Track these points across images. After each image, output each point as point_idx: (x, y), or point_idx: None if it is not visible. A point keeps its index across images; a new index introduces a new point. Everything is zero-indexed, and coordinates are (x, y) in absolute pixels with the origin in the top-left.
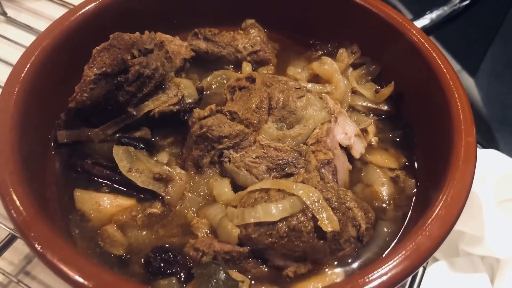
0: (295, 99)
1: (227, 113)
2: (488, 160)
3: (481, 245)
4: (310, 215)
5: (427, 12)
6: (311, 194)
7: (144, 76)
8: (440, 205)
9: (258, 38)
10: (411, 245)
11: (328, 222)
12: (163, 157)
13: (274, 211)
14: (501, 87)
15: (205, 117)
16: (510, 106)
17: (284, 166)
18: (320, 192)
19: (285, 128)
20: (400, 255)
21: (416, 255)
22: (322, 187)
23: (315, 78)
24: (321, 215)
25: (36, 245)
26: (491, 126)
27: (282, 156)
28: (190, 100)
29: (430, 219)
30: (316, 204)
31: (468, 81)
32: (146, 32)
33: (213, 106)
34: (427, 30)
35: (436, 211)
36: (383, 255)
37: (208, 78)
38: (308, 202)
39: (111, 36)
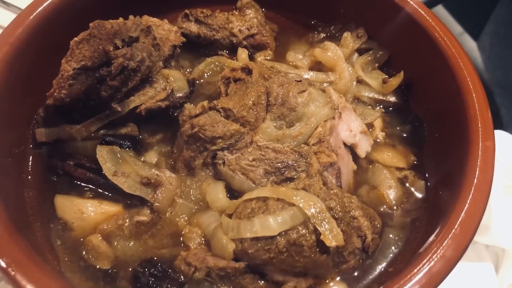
0: (296, 94)
1: (221, 110)
2: (497, 143)
3: (487, 234)
4: (312, 228)
5: None
6: (312, 204)
7: (128, 69)
8: (456, 222)
9: (255, 19)
10: (424, 268)
11: (332, 236)
12: (152, 156)
13: (273, 224)
14: (504, 50)
15: (196, 115)
16: None
17: (284, 169)
18: (322, 201)
19: (285, 126)
20: (412, 280)
21: (429, 278)
22: (325, 194)
23: (317, 65)
24: (323, 228)
25: (10, 271)
26: (492, 90)
27: (282, 159)
28: (180, 94)
29: (446, 240)
30: (319, 215)
31: (470, 44)
32: (131, 17)
33: (205, 103)
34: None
35: (452, 230)
36: (390, 269)
37: (200, 66)
38: (309, 214)
39: (91, 25)
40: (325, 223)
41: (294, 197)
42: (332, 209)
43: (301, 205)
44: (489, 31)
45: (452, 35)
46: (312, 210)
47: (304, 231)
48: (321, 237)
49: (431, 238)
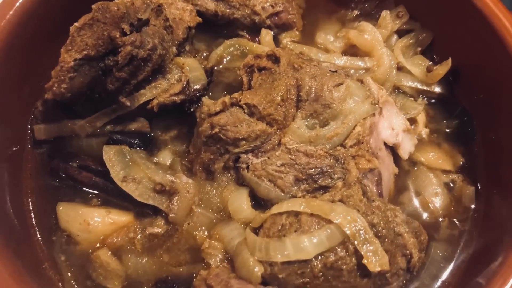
0: (331, 88)
1: (244, 106)
2: None
3: None
4: (352, 249)
5: None
6: (353, 221)
7: (138, 58)
8: None
9: None
10: None
11: (376, 259)
12: (166, 156)
13: (308, 245)
14: None
15: (217, 113)
16: None
17: (317, 176)
18: (364, 216)
19: (318, 126)
20: None
21: None
22: (366, 208)
23: (351, 49)
24: (366, 250)
25: None
26: None
27: (315, 164)
28: (197, 86)
29: None
30: (360, 235)
31: None
32: None
33: (226, 99)
34: None
35: None
36: None
37: (218, 50)
38: (349, 233)
39: (93, 7)
40: (367, 244)
41: (331, 214)
42: (375, 226)
43: (339, 221)
44: None
45: (509, 12)
46: (353, 229)
47: (343, 253)
48: (363, 260)
49: (493, 266)
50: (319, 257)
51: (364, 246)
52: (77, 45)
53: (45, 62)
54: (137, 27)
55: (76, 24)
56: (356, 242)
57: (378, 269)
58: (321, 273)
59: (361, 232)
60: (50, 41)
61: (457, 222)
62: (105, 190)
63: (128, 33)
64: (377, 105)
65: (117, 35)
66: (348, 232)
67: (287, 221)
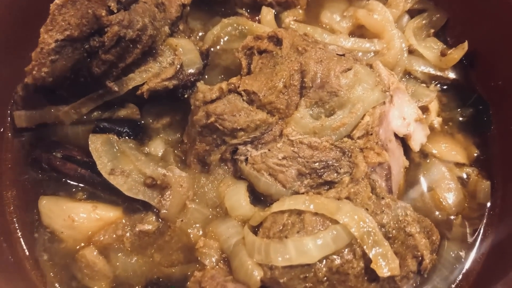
0: (339, 74)
1: (242, 93)
2: None
3: None
4: (360, 251)
5: None
6: (360, 220)
7: (126, 39)
8: None
9: None
10: None
11: (386, 263)
12: (157, 146)
13: (312, 248)
14: None
15: (213, 101)
16: None
17: (322, 171)
18: (373, 216)
19: (323, 115)
20: None
21: None
22: (375, 206)
23: (359, 29)
24: (375, 254)
25: None
26: None
27: (319, 157)
28: (191, 70)
29: None
30: (369, 237)
31: None
32: None
33: (223, 85)
34: None
35: None
36: None
37: (215, 30)
38: (356, 234)
39: None
40: (376, 247)
41: (337, 213)
42: (384, 226)
43: (345, 221)
44: None
45: None
46: (360, 230)
47: (349, 256)
48: (372, 264)
49: None
50: (324, 261)
51: (373, 249)
52: (59, 25)
53: (27, 42)
54: (125, 5)
55: (57, 1)
56: (364, 245)
57: (388, 274)
58: (325, 278)
59: (369, 234)
60: (33, 19)
61: (470, 219)
62: (91, 183)
63: (115, 11)
64: (387, 93)
65: (103, 14)
66: (355, 233)
67: (289, 220)
